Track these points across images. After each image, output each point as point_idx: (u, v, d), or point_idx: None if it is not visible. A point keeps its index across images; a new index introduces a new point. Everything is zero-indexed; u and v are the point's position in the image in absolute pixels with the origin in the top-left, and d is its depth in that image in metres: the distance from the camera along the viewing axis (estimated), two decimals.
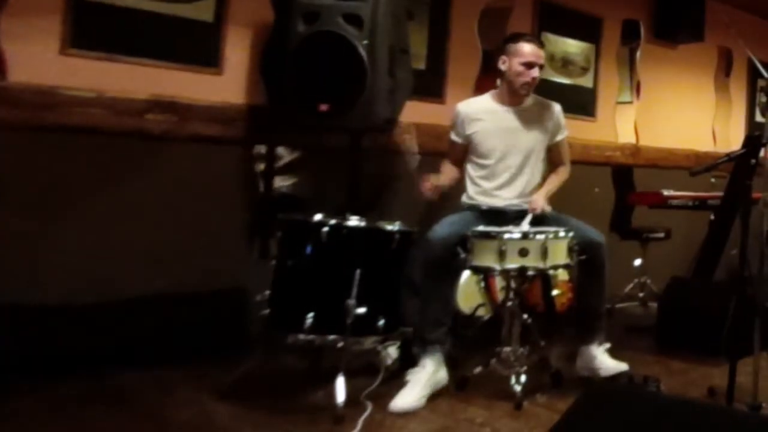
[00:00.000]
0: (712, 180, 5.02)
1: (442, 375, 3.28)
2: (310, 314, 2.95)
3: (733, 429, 2.06)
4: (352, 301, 2.96)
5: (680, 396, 3.15)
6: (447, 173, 3.72)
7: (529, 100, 3.69)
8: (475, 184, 3.67)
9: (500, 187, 3.62)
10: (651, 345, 4.31)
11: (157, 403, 2.99)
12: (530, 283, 3.79)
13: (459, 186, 3.73)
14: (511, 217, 3.54)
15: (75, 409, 2.87)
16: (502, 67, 3.61)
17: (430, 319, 3.31)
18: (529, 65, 3.55)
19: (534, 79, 3.58)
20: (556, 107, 3.75)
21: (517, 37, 3.64)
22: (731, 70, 6.80)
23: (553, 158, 3.78)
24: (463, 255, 3.26)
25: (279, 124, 3.80)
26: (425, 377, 3.20)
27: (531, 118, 3.67)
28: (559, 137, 3.76)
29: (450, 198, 3.77)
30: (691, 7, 5.95)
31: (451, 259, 3.31)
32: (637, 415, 2.13)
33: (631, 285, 5.36)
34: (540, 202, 3.54)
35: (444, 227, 3.37)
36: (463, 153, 3.72)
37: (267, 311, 3.09)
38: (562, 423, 2.19)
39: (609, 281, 3.52)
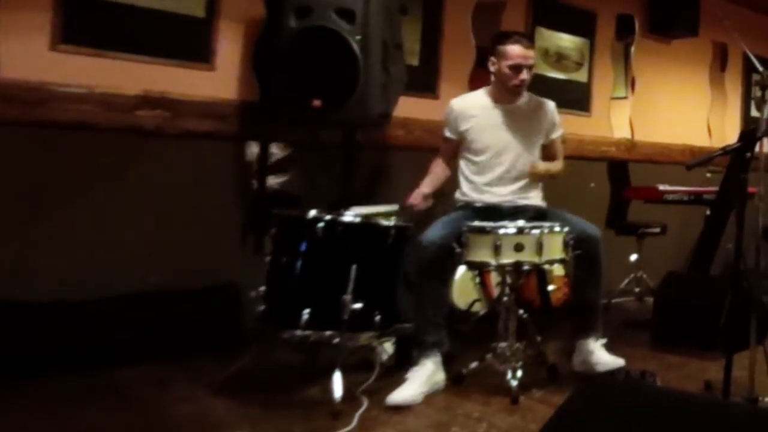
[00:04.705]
0: (708, 175, 5.02)
1: (440, 377, 3.27)
2: (306, 310, 2.93)
3: (729, 422, 2.05)
4: (348, 297, 2.94)
5: (676, 390, 3.14)
6: (434, 174, 3.69)
7: (524, 98, 3.66)
8: (468, 180, 3.64)
9: (493, 183, 3.60)
10: (647, 339, 4.30)
11: (152, 399, 2.98)
12: (526, 279, 3.78)
13: (453, 183, 3.71)
14: (506, 213, 3.53)
15: (69, 406, 2.85)
16: (492, 68, 3.58)
17: (428, 323, 3.29)
18: (517, 68, 3.50)
19: (523, 81, 3.53)
20: (551, 105, 3.72)
21: (504, 38, 3.56)
22: (726, 64, 6.80)
23: (548, 155, 3.75)
24: (458, 250, 3.24)
25: (272, 120, 3.80)
26: (425, 375, 3.19)
27: (525, 116, 3.64)
28: (554, 135, 3.73)
29: (444, 195, 3.75)
30: (686, 1, 5.94)
31: (445, 261, 3.30)
32: (632, 409, 2.12)
33: (627, 280, 5.36)
34: (541, 166, 3.55)
35: (437, 229, 3.35)
36: (455, 149, 3.70)
37: (262, 307, 3.08)
38: (557, 417, 2.18)
39: (605, 276, 3.51)
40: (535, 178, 3.56)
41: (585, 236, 3.37)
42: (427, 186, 3.60)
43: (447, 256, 3.28)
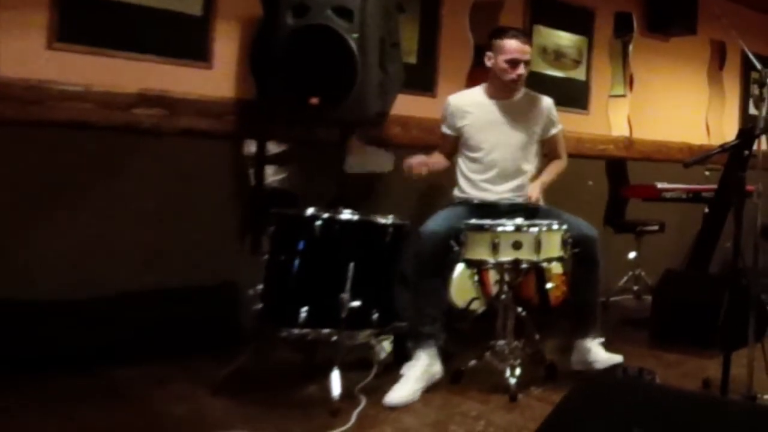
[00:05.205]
0: (706, 173, 5.01)
1: (437, 369, 3.26)
2: (304, 308, 2.93)
3: (728, 420, 2.04)
4: (345, 295, 2.94)
5: (675, 387, 3.14)
6: (435, 157, 3.68)
7: (520, 94, 3.66)
8: (466, 177, 3.65)
9: (491, 180, 3.60)
10: (645, 337, 4.31)
11: (150, 398, 2.98)
12: (524, 277, 3.77)
13: (452, 179, 3.71)
14: (504, 210, 3.53)
15: (68, 405, 2.85)
16: (488, 63, 3.58)
17: (424, 315, 3.29)
18: (514, 62, 3.50)
19: (520, 76, 3.53)
20: (547, 101, 3.72)
21: (501, 33, 3.57)
22: (724, 62, 6.80)
23: (549, 152, 3.76)
24: (456, 248, 3.24)
25: (269, 118, 3.79)
26: (420, 371, 3.19)
27: (521, 112, 3.64)
28: (552, 131, 3.73)
29: (443, 192, 3.75)
30: None
31: (443, 254, 3.30)
32: (631, 407, 2.12)
33: (625, 278, 5.36)
34: (535, 192, 3.51)
35: (436, 222, 3.36)
36: (453, 145, 3.70)
37: (260, 306, 3.07)
38: (555, 414, 2.17)
39: (603, 275, 3.51)
40: (536, 197, 3.51)
41: (582, 236, 3.37)
42: (429, 158, 3.60)
43: (445, 251, 3.28)
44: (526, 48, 3.54)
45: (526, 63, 3.55)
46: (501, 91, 3.62)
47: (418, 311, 3.28)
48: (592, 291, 3.52)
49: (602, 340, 3.56)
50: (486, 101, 3.64)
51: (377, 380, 3.16)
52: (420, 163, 3.51)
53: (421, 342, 3.26)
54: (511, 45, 3.50)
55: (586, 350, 3.48)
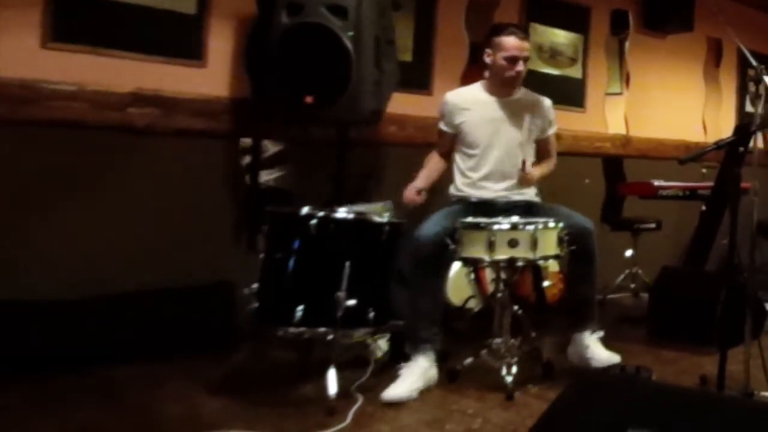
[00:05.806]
0: (703, 171, 5.02)
1: (433, 373, 3.26)
2: (300, 307, 2.92)
3: (724, 416, 2.04)
4: (341, 294, 2.93)
5: (672, 384, 3.13)
6: (429, 169, 3.67)
7: (519, 93, 3.65)
8: (463, 174, 3.63)
9: (488, 177, 3.59)
10: (642, 335, 4.30)
11: (146, 398, 2.97)
12: (521, 275, 3.77)
13: (447, 178, 3.70)
14: (500, 208, 3.52)
15: (64, 405, 2.85)
16: (487, 60, 3.57)
17: (422, 318, 3.28)
18: (513, 59, 3.49)
19: (519, 72, 3.52)
20: (546, 102, 3.71)
21: (500, 30, 3.56)
22: (721, 60, 6.80)
23: (541, 152, 3.75)
24: (452, 247, 3.23)
25: (264, 117, 3.78)
26: (418, 371, 3.18)
27: (520, 111, 3.63)
28: (549, 132, 3.73)
29: (439, 190, 3.74)
30: None
31: (440, 256, 3.29)
32: (627, 404, 2.11)
33: (622, 276, 5.36)
34: (535, 172, 3.53)
35: (432, 224, 3.34)
36: (451, 143, 3.69)
37: (256, 305, 3.06)
38: (551, 411, 2.17)
39: (600, 271, 3.51)
40: (526, 184, 3.55)
41: (578, 228, 3.37)
42: (421, 180, 3.59)
43: (442, 252, 3.27)
44: (525, 45, 3.54)
45: (525, 60, 3.55)
46: (501, 88, 3.61)
47: (416, 315, 3.27)
48: (590, 285, 3.51)
49: (601, 334, 3.55)
50: (485, 98, 3.63)
51: (373, 379, 3.16)
52: (416, 193, 3.50)
53: (419, 346, 3.25)
54: (510, 42, 3.49)
55: (584, 345, 3.48)
